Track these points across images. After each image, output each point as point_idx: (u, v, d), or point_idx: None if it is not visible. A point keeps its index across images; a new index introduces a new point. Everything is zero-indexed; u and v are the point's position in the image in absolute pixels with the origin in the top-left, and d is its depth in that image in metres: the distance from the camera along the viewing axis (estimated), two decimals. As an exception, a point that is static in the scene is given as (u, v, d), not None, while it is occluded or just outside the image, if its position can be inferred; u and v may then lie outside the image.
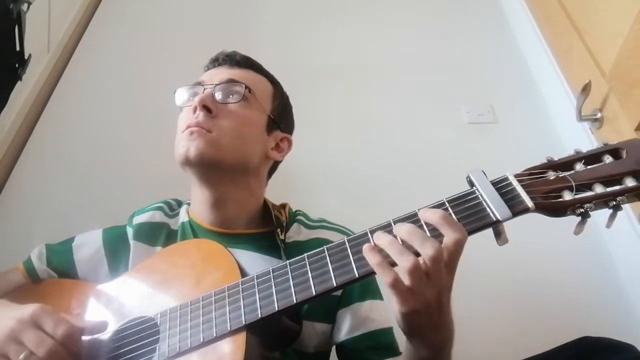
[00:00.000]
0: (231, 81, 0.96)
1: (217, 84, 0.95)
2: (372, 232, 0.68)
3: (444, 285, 0.64)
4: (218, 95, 0.94)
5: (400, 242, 0.65)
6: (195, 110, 0.92)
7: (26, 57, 1.47)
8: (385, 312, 0.91)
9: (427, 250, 0.62)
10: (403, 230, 0.65)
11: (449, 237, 0.63)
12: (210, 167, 0.91)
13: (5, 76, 1.45)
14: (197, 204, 0.97)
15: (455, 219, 0.65)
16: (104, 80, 1.82)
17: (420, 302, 0.63)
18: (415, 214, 0.68)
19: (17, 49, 1.44)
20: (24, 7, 1.43)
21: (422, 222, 0.67)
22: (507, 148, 1.59)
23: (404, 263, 0.62)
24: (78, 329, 0.72)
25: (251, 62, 1.03)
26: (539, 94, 1.75)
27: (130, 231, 0.97)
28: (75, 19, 2.03)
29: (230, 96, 0.95)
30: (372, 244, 0.66)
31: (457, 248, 0.63)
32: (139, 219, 0.98)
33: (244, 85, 0.95)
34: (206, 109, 0.91)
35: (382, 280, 0.63)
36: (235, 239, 0.92)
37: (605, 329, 0.83)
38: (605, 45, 1.30)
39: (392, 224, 0.68)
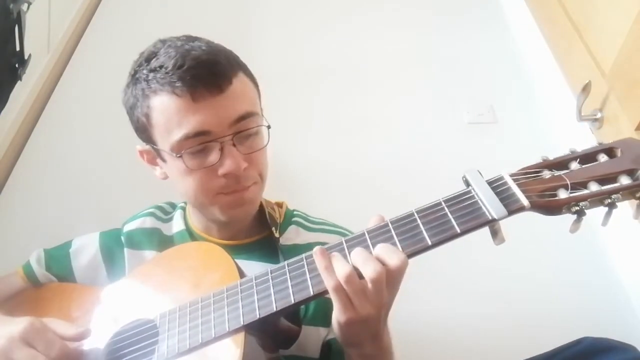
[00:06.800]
0: (245, 118, 0.80)
1: (233, 134, 0.79)
2: (370, 232, 0.68)
3: (384, 302, 0.66)
4: (239, 143, 0.80)
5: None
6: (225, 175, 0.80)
7: (26, 57, 1.48)
8: None
9: (367, 271, 0.63)
10: (353, 251, 0.66)
11: (392, 262, 0.64)
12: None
13: (5, 76, 1.45)
14: (200, 221, 0.94)
15: (398, 246, 0.66)
16: (103, 80, 1.81)
17: (358, 315, 0.65)
18: (363, 234, 0.69)
19: (17, 49, 1.44)
20: (24, 7, 1.43)
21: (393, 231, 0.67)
22: (507, 148, 1.59)
23: (339, 270, 0.64)
24: (68, 346, 0.71)
25: (231, 62, 0.81)
26: (539, 94, 1.75)
27: (122, 239, 0.96)
28: (75, 19, 2.04)
29: (251, 138, 0.82)
30: (324, 248, 0.67)
31: (399, 273, 0.65)
32: (129, 227, 0.96)
33: (263, 124, 0.83)
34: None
35: (325, 283, 0.65)
36: (236, 249, 0.90)
37: (605, 329, 0.83)
38: (605, 45, 1.30)
39: (366, 234, 0.69)
